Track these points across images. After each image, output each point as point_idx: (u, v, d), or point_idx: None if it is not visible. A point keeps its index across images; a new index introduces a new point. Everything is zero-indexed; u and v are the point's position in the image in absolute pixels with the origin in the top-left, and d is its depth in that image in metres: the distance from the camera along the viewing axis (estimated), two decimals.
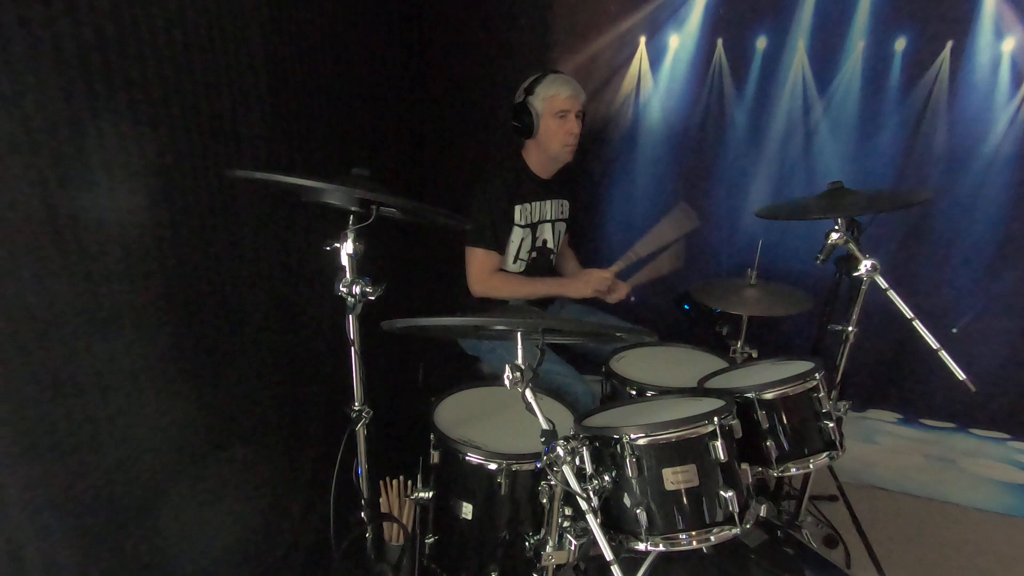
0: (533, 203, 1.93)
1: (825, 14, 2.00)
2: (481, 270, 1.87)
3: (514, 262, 1.95)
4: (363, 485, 1.38)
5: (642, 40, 2.17)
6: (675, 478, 1.14)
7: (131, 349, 1.10)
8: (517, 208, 1.89)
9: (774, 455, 1.35)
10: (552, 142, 1.86)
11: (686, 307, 2.06)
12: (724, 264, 2.32)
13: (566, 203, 2.06)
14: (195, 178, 1.21)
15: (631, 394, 1.67)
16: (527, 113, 1.83)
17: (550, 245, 2.01)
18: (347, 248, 1.19)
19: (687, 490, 1.14)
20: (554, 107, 1.82)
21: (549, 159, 1.92)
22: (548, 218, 1.98)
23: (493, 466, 1.36)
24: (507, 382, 1.05)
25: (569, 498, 1.15)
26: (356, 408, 1.32)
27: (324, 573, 1.68)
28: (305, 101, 1.57)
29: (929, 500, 2.33)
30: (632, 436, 1.15)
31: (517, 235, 1.91)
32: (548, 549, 1.19)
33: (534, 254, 1.98)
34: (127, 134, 1.05)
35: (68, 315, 0.97)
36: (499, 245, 1.88)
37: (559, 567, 1.21)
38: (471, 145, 2.41)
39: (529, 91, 1.83)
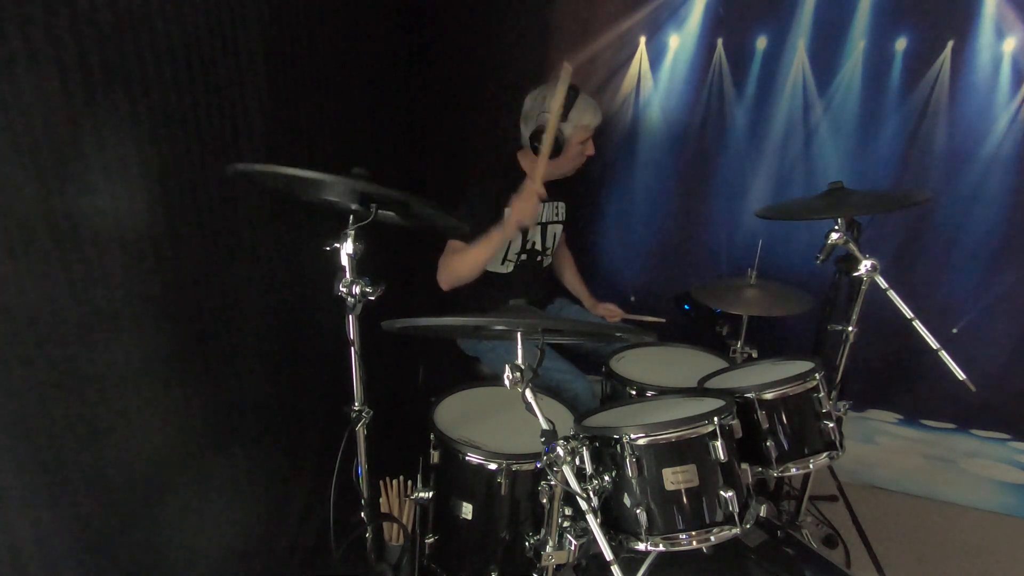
0: None
1: (825, 14, 1.99)
2: (446, 253, 1.80)
3: (502, 263, 1.94)
4: (363, 485, 1.38)
5: (642, 40, 2.17)
6: (675, 478, 1.14)
7: (131, 349, 1.10)
8: (507, 212, 1.85)
9: (774, 455, 1.36)
10: (569, 164, 1.86)
11: (686, 307, 2.06)
12: (724, 264, 2.32)
13: (562, 205, 2.04)
14: (195, 178, 1.21)
15: (631, 394, 1.67)
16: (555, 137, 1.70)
17: (538, 247, 2.00)
18: (347, 248, 1.19)
19: (687, 490, 1.15)
20: (582, 136, 1.81)
21: (553, 173, 1.87)
22: (540, 221, 1.96)
23: (493, 466, 1.36)
24: (507, 382, 1.05)
25: (569, 498, 1.15)
26: (356, 408, 1.32)
27: (324, 573, 1.68)
28: (305, 100, 1.57)
29: (929, 500, 2.34)
30: (632, 436, 1.15)
31: None
32: (548, 549, 1.19)
33: (523, 256, 1.96)
34: (127, 134, 1.04)
35: (68, 315, 0.97)
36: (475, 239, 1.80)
37: (559, 567, 1.22)
38: (471, 145, 2.41)
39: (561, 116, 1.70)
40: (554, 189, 1.97)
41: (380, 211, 1.21)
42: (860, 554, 1.84)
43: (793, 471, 1.38)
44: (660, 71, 2.19)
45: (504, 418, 1.55)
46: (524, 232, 1.92)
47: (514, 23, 2.25)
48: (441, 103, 2.42)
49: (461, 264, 1.78)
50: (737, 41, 2.09)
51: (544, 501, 1.19)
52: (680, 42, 2.14)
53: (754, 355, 1.88)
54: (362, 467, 1.36)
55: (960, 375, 1.35)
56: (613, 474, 1.17)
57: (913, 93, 1.99)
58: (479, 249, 1.75)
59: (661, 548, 1.14)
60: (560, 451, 1.02)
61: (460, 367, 1.99)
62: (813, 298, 1.76)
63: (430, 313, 1.10)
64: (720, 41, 2.10)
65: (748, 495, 1.22)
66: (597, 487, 1.16)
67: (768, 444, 1.35)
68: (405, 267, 2.31)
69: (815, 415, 1.38)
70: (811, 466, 1.39)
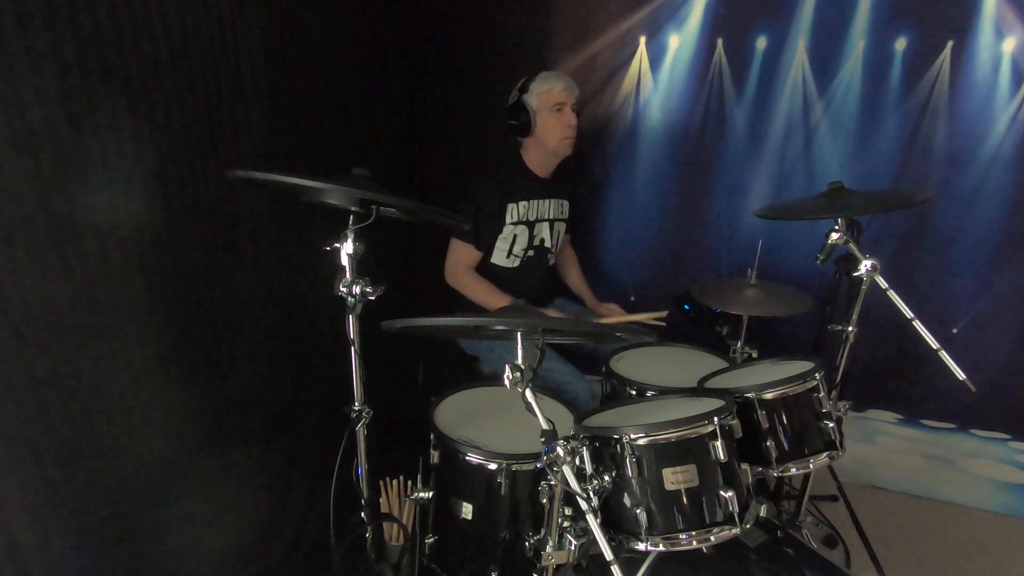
0: (531, 201, 1.92)
1: (825, 14, 2.00)
2: (458, 263, 1.90)
3: (507, 257, 1.95)
4: (363, 485, 1.38)
5: (642, 40, 2.17)
6: (675, 478, 1.14)
7: (131, 349, 1.10)
8: (510, 206, 1.89)
9: (774, 455, 1.35)
10: (551, 136, 1.86)
11: (686, 307, 2.05)
12: (724, 264, 2.32)
13: (566, 203, 2.06)
14: (195, 178, 1.21)
15: (631, 394, 1.67)
16: (523, 111, 1.85)
17: (547, 244, 2.01)
18: (347, 248, 1.19)
19: (687, 490, 1.14)
20: (549, 101, 1.84)
21: (548, 155, 1.92)
22: (547, 217, 1.98)
23: (493, 466, 1.36)
24: (507, 382, 1.05)
25: (569, 498, 1.15)
26: (356, 408, 1.32)
27: (324, 573, 1.68)
28: (305, 101, 1.57)
29: (929, 500, 2.33)
30: (632, 436, 1.15)
31: (510, 232, 1.91)
32: (548, 549, 1.18)
33: (531, 252, 1.98)
34: (126, 134, 1.05)
35: (68, 315, 0.97)
36: (480, 242, 1.89)
37: (559, 567, 1.21)
38: (471, 145, 2.41)
39: (523, 89, 1.86)
40: (557, 186, 2.00)
41: (381, 208, 1.21)
42: (860, 554, 1.84)
43: (793, 471, 1.38)
44: (660, 71, 2.19)
45: (504, 418, 1.55)
46: (531, 227, 1.94)
47: (514, 23, 2.25)
48: (442, 103, 2.42)
49: (470, 295, 1.90)
50: (737, 41, 2.09)
51: (544, 501, 1.19)
52: (680, 42, 2.14)
53: (754, 355, 1.88)
54: (362, 467, 1.36)
55: (960, 375, 1.35)
56: (613, 474, 1.17)
57: (913, 93, 1.99)
58: (496, 300, 1.85)
59: (661, 548, 1.14)
60: (560, 451, 1.02)
61: (460, 367, 1.99)
62: (813, 298, 1.76)
63: (430, 313, 1.09)
64: (720, 41, 2.10)
65: (748, 495, 1.22)
66: (597, 487, 1.16)
67: (768, 444, 1.35)
68: (405, 267, 2.31)
69: (815, 415, 1.38)
70: (811, 466, 1.39)
